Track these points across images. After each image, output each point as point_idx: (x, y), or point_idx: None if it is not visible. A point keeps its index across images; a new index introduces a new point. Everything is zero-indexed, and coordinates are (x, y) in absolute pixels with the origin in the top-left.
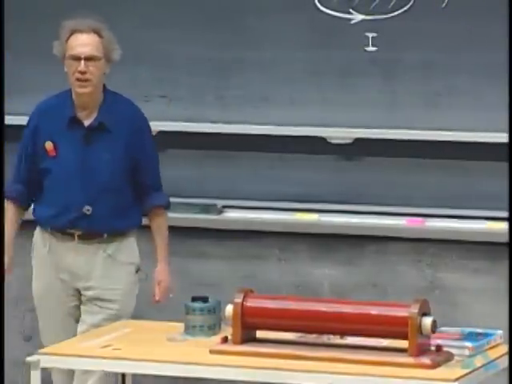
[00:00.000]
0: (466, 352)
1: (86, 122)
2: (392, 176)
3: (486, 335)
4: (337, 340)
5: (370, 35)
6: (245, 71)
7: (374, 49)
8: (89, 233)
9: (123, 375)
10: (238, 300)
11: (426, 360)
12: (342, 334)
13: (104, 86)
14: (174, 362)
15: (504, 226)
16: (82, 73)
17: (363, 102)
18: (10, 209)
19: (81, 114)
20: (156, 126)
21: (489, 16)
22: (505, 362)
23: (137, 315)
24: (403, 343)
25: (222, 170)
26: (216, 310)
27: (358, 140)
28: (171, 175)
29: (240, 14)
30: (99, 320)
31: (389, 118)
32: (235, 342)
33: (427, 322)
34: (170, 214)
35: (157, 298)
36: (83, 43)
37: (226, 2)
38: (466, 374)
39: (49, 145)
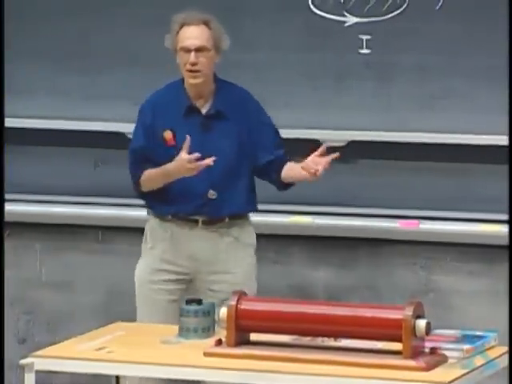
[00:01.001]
0: (461, 354)
1: (203, 110)
2: (387, 178)
3: (481, 338)
4: (331, 342)
5: (364, 38)
6: (239, 73)
7: (368, 51)
8: (212, 218)
9: (117, 378)
10: (233, 302)
11: (420, 362)
12: (337, 336)
13: (214, 74)
14: (167, 364)
15: (499, 228)
16: (193, 64)
17: (358, 105)
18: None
19: (197, 102)
20: None
21: (484, 18)
22: (501, 364)
23: (131, 318)
24: (397, 345)
25: None
26: (210, 313)
27: (352, 142)
28: None
29: (235, 16)
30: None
31: (383, 120)
32: (229, 345)
33: (421, 324)
34: None
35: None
36: (193, 35)
37: (221, 4)
38: (461, 376)
39: (168, 134)
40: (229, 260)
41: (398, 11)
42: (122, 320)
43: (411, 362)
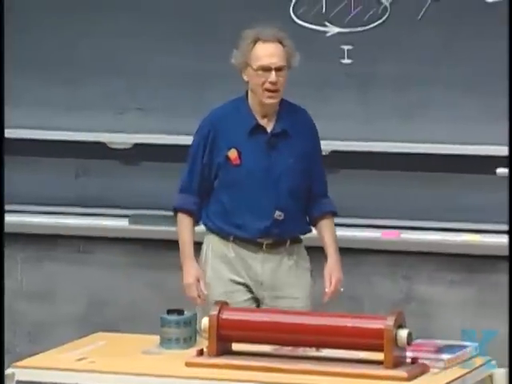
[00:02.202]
0: (442, 364)
1: (269, 128)
2: (367, 188)
3: (462, 347)
4: (312, 352)
5: (346, 48)
6: (221, 83)
7: (349, 61)
8: (277, 241)
9: None
10: (214, 312)
11: (401, 372)
12: (318, 346)
13: None
14: (149, 374)
15: (480, 237)
16: (273, 83)
17: (339, 115)
18: (187, 222)
19: (262, 121)
20: (131, 138)
21: (464, 28)
22: (481, 374)
23: (112, 328)
24: (379, 355)
25: None
26: (192, 323)
27: (333, 152)
28: (147, 188)
29: (216, 26)
30: None
31: (365, 130)
32: (211, 355)
33: (403, 334)
34: (146, 227)
35: (327, 291)
36: (271, 53)
37: (202, 13)
38: None
39: (233, 153)
40: (291, 285)
41: (380, 21)
42: (103, 330)
43: (393, 372)
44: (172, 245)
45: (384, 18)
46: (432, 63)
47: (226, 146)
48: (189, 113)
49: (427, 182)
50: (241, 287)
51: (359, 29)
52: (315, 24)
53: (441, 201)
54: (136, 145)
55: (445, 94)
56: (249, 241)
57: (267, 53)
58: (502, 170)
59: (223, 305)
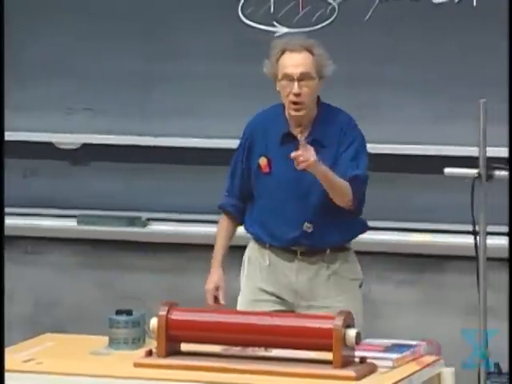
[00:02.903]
0: (390, 363)
1: (301, 138)
2: None
3: (411, 347)
4: (262, 352)
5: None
6: (169, 83)
7: None
8: (311, 249)
9: None
10: (163, 313)
11: (350, 372)
12: (267, 346)
13: (318, 98)
14: (97, 375)
15: (430, 237)
16: (296, 95)
17: None
18: (224, 224)
19: (295, 130)
20: (80, 138)
21: (411, 29)
22: (430, 372)
23: (60, 329)
24: (328, 355)
25: (147, 182)
26: (140, 323)
27: None
28: (96, 188)
29: (164, 27)
30: None
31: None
32: (160, 355)
33: (351, 333)
34: (95, 227)
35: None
36: (296, 63)
37: (150, 14)
38: None
39: (263, 161)
40: (328, 295)
41: (328, 22)
42: (52, 331)
43: (341, 372)
44: (122, 245)
45: (332, 19)
46: (380, 64)
47: (259, 153)
48: (137, 113)
49: (376, 182)
50: (270, 297)
51: (307, 29)
52: (264, 24)
53: (389, 201)
54: (84, 145)
55: (393, 94)
56: (283, 249)
57: (292, 62)
58: (450, 170)
59: (172, 305)
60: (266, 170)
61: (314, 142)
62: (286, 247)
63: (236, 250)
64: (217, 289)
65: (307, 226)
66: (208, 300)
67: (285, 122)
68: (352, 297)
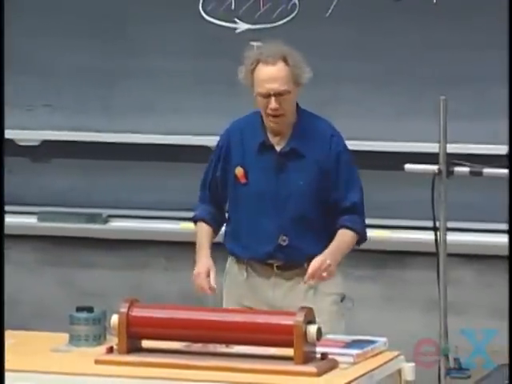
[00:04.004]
0: (351, 359)
1: (278, 147)
2: None
3: (371, 343)
4: (223, 349)
5: (256, 44)
6: (130, 80)
7: None
8: (288, 264)
9: None
10: (123, 310)
11: (311, 368)
12: (228, 342)
13: (297, 105)
14: (58, 372)
15: (389, 234)
16: (275, 110)
17: (249, 111)
18: (200, 227)
19: (273, 139)
20: (40, 135)
21: (372, 25)
22: (391, 368)
23: (21, 326)
24: (289, 351)
25: (108, 179)
26: (101, 320)
27: None
28: (56, 185)
29: (124, 23)
30: None
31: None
32: (121, 352)
33: (312, 329)
34: (55, 224)
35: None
36: (271, 77)
37: (110, 10)
38: (352, 381)
39: (239, 171)
40: None
41: (289, 18)
42: (12, 328)
43: (302, 368)
44: (82, 242)
45: (293, 15)
46: (341, 60)
47: (235, 163)
48: (97, 109)
49: None
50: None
51: (268, 25)
52: (225, 21)
53: None
54: (44, 141)
55: (354, 90)
56: (260, 262)
57: (267, 77)
58: (410, 166)
59: (133, 302)
60: (243, 180)
61: (291, 152)
62: (263, 261)
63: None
64: (208, 273)
65: (282, 239)
66: (201, 281)
67: (262, 131)
68: (329, 312)
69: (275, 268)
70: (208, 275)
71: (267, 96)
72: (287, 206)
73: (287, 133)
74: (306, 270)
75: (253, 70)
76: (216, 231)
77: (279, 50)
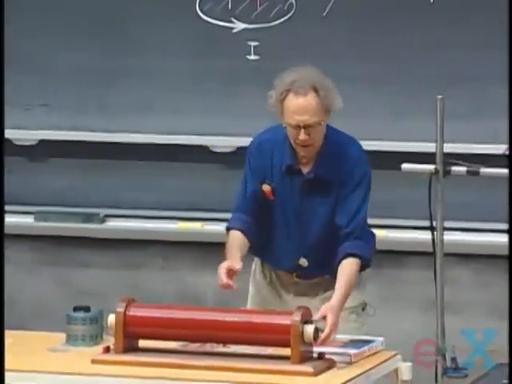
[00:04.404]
0: (348, 359)
1: (304, 170)
2: None
3: (368, 342)
4: (220, 348)
5: (252, 44)
6: (128, 79)
7: (256, 57)
8: (309, 276)
9: None
10: (120, 309)
11: (307, 367)
12: (225, 342)
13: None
14: (55, 372)
15: (386, 233)
16: (304, 141)
17: (246, 111)
18: (233, 234)
19: (300, 162)
20: (37, 134)
21: (369, 25)
22: (388, 368)
23: (18, 326)
24: (286, 351)
25: (105, 178)
26: (98, 320)
27: (240, 148)
28: (53, 185)
29: (123, 23)
30: None
31: (271, 125)
32: (117, 352)
33: (309, 329)
34: (52, 224)
35: (321, 336)
36: (301, 109)
37: (108, 9)
38: (348, 381)
39: (266, 188)
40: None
41: (286, 17)
42: (9, 328)
43: (299, 367)
44: (79, 241)
45: (290, 15)
46: (338, 59)
47: (263, 178)
48: (94, 109)
49: None
50: None
51: (265, 25)
52: (221, 20)
53: None
54: (41, 141)
55: (351, 89)
56: (282, 271)
57: (297, 109)
58: (407, 166)
59: (129, 301)
60: (271, 196)
61: (316, 178)
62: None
63: None
64: (231, 269)
65: (303, 261)
66: (221, 275)
67: (289, 152)
68: (348, 322)
69: (295, 277)
70: (231, 270)
71: (297, 127)
72: (308, 231)
73: (314, 156)
74: (326, 280)
75: (283, 100)
76: (251, 240)
77: (310, 80)
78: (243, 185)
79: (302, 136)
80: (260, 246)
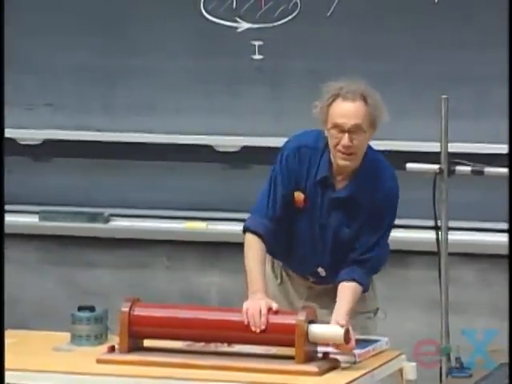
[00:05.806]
0: (353, 359)
1: (338, 186)
2: None
3: (373, 342)
4: (224, 348)
5: (257, 43)
6: (131, 79)
7: (260, 57)
8: (323, 282)
9: None
10: (125, 309)
11: (312, 367)
12: (230, 341)
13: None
14: (60, 371)
15: (392, 233)
16: (346, 147)
17: (250, 110)
18: (255, 245)
19: (336, 176)
20: (41, 134)
21: (373, 24)
22: (393, 367)
23: (22, 325)
24: (291, 350)
25: (109, 178)
26: (103, 320)
27: (244, 148)
28: (57, 184)
29: (126, 22)
30: None
31: (275, 125)
32: (122, 351)
33: (314, 329)
34: (57, 223)
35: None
36: (348, 113)
37: (111, 8)
38: (353, 380)
39: (299, 196)
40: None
41: (290, 17)
42: (14, 328)
43: (304, 367)
44: (84, 241)
45: (294, 14)
46: (342, 59)
47: (296, 184)
48: (98, 109)
49: None
50: None
51: (270, 24)
52: (226, 20)
53: None
54: (46, 141)
55: None
56: (295, 275)
57: (345, 112)
58: (412, 165)
59: (134, 301)
60: (301, 204)
61: (348, 198)
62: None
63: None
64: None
65: (321, 271)
66: (262, 318)
67: (327, 164)
68: (361, 328)
69: (310, 281)
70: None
71: (342, 130)
72: (330, 245)
73: (350, 174)
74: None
75: (330, 105)
76: (268, 248)
77: (360, 89)
78: (272, 186)
79: (345, 141)
80: (277, 250)
